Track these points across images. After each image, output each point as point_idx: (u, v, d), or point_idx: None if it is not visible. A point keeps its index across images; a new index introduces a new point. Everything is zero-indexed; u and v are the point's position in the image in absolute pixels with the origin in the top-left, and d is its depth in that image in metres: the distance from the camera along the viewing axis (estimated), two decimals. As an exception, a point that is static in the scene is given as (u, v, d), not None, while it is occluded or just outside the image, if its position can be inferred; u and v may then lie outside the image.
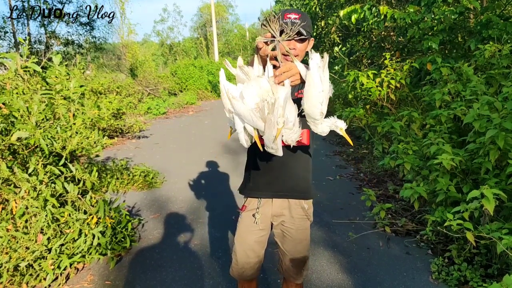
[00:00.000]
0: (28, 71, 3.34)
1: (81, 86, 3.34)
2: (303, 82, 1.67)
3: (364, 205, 4.26)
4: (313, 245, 3.61)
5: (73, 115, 3.19)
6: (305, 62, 1.74)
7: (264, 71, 1.61)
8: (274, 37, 1.57)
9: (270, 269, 3.22)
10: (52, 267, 2.81)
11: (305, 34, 1.77)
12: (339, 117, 5.48)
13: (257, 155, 1.96)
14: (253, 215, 2.01)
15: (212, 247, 3.63)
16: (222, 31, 43.07)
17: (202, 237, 3.84)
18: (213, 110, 14.40)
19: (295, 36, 1.67)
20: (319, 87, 1.49)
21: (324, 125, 1.61)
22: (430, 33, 5.30)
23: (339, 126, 1.61)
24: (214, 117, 12.74)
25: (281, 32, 1.60)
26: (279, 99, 1.49)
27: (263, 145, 1.58)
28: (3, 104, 2.79)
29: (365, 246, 3.56)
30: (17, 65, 3.07)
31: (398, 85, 4.84)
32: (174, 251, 3.58)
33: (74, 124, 3.17)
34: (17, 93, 3.18)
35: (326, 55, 1.54)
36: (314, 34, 11.58)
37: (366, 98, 5.34)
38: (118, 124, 8.67)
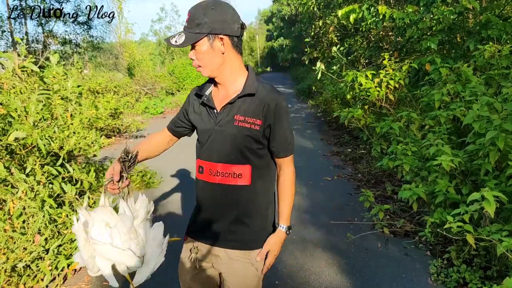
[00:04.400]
0: (26, 70, 3.31)
1: (78, 86, 3.31)
2: None
3: (362, 206, 4.24)
4: (311, 246, 3.61)
5: (71, 115, 3.17)
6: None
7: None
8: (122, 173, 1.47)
9: (268, 270, 3.21)
10: (50, 267, 2.79)
11: (183, 41, 1.45)
12: (337, 117, 5.43)
13: (197, 192, 1.73)
14: (190, 250, 1.75)
15: (211, 248, 3.62)
16: (220, 31, 42.94)
17: (200, 237, 3.82)
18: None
19: (131, 171, 1.46)
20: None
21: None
22: (428, 33, 5.30)
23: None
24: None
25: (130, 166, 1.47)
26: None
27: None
28: (0, 104, 2.77)
29: (364, 247, 3.55)
30: (15, 64, 3.04)
31: (397, 85, 4.84)
32: (172, 251, 3.55)
33: (72, 124, 3.14)
34: (14, 93, 3.16)
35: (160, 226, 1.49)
36: (312, 33, 11.55)
37: (364, 99, 5.33)
38: (115, 124, 8.64)
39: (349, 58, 8.70)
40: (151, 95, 16.01)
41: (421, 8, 5.33)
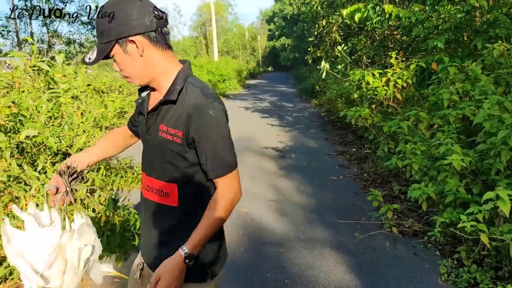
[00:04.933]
0: (36, 69, 3.32)
1: (88, 85, 3.32)
2: None
3: (369, 205, 4.25)
4: (319, 245, 3.61)
5: (81, 113, 3.17)
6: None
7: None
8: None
9: (275, 268, 3.22)
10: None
11: (93, 58, 1.29)
12: (341, 116, 5.42)
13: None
14: (137, 266, 1.59)
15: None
16: (221, 30, 43.04)
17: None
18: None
19: (77, 182, 1.38)
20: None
21: None
22: (435, 32, 5.29)
23: None
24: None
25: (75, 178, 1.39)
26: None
27: None
28: (12, 102, 2.78)
29: (372, 246, 3.55)
30: (26, 64, 3.05)
31: (404, 84, 4.83)
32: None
33: (83, 122, 3.15)
34: (23, 91, 3.16)
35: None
36: (315, 33, 11.54)
37: (372, 98, 5.32)
38: (120, 123, 8.64)
39: (352, 57, 8.68)
40: (154, 94, 16.01)
41: (428, 7, 5.32)
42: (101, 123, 4.68)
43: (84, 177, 1.44)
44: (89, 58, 1.30)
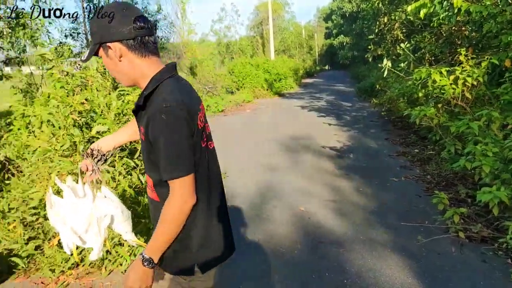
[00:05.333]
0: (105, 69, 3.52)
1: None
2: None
3: (432, 209, 4.07)
4: (379, 247, 3.51)
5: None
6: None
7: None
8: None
9: (334, 268, 3.18)
10: (129, 253, 2.96)
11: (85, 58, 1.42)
12: (403, 116, 5.23)
13: None
14: None
15: (274, 243, 3.63)
16: (278, 29, 43.08)
17: (264, 232, 3.85)
18: (269, 109, 14.44)
19: (102, 163, 1.67)
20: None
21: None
22: (508, 27, 4.95)
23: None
24: (270, 115, 12.79)
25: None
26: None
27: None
28: (86, 99, 2.97)
29: (436, 251, 3.40)
30: (98, 63, 3.25)
31: (475, 82, 4.56)
32: (238, 245, 3.62)
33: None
34: (96, 89, 3.37)
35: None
36: (376, 30, 11.24)
37: (438, 97, 5.08)
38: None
39: (415, 55, 8.34)
40: (212, 93, 16.39)
41: (501, 0, 4.98)
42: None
43: (110, 157, 1.76)
44: (84, 56, 1.44)
